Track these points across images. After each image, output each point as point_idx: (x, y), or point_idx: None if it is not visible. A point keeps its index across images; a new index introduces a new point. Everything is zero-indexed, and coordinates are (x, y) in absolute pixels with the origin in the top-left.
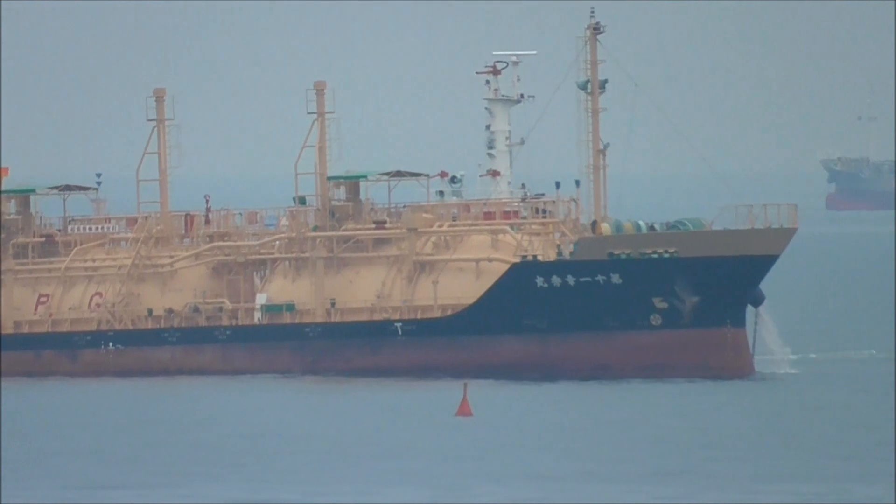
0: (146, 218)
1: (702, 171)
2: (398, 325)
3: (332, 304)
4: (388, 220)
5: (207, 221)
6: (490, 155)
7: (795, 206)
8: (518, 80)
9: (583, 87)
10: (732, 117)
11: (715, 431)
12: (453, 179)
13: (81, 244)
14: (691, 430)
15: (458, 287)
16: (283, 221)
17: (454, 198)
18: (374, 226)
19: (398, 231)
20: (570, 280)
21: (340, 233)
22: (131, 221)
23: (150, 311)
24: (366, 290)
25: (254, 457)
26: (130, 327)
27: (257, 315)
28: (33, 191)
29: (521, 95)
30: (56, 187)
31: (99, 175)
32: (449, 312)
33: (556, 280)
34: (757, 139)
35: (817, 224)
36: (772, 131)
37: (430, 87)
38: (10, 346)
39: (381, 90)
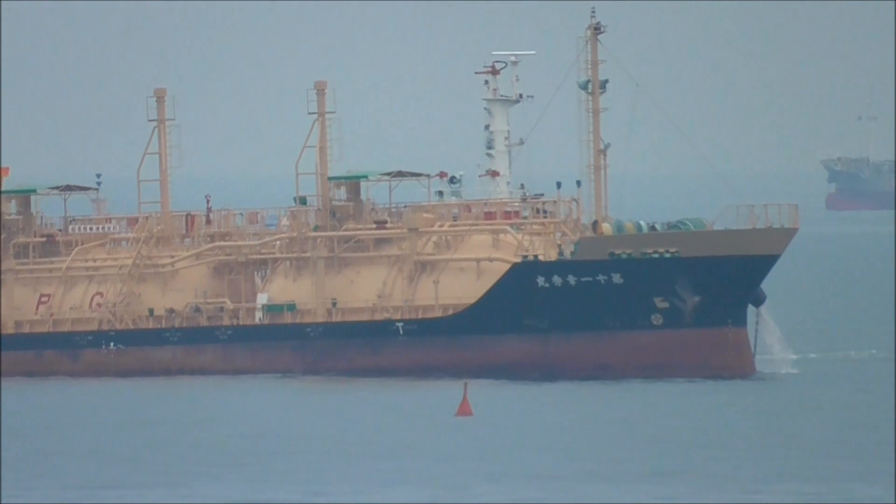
0: (147, 218)
1: (702, 170)
2: (399, 324)
3: (334, 304)
4: (388, 220)
5: (208, 221)
6: (489, 155)
7: (796, 206)
8: (517, 80)
9: (583, 87)
10: (733, 117)
11: (716, 431)
12: (452, 180)
13: (82, 244)
14: (692, 429)
15: (459, 287)
16: (284, 221)
17: (453, 198)
18: (374, 226)
19: (399, 231)
20: (572, 280)
21: (341, 233)
22: (132, 221)
23: (151, 311)
24: (367, 290)
25: (254, 457)
26: (131, 327)
27: (258, 315)
28: (34, 191)
29: (520, 95)
30: (57, 187)
31: (99, 175)
32: (450, 312)
33: (557, 280)
34: (757, 139)
35: (817, 224)
36: (772, 131)
37: (430, 87)
38: (11, 346)
39: (380, 90)
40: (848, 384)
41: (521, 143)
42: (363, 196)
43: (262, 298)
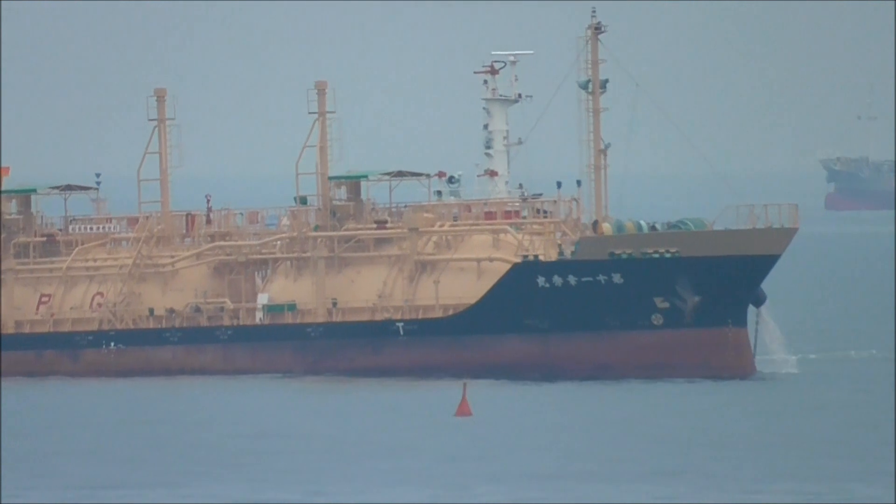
0: (147, 218)
1: (703, 170)
2: (400, 324)
3: (334, 304)
4: (389, 219)
5: (208, 221)
6: (488, 155)
7: (796, 205)
8: (516, 79)
9: (584, 86)
10: (733, 117)
11: (716, 431)
12: (451, 179)
13: (83, 244)
14: (692, 429)
15: (460, 287)
16: (285, 221)
17: (452, 198)
18: (375, 225)
19: (399, 231)
20: (572, 280)
21: (342, 232)
22: (132, 221)
23: (151, 311)
24: (367, 290)
25: (254, 457)
26: (132, 327)
27: (259, 315)
28: (34, 190)
29: (519, 95)
30: (57, 187)
31: (98, 175)
32: (450, 312)
33: (557, 280)
34: (757, 139)
35: (817, 224)
36: (772, 131)
37: (430, 86)
38: (11, 346)
39: (380, 90)
40: (848, 384)
41: (520, 142)
42: (363, 196)
43: (262, 298)
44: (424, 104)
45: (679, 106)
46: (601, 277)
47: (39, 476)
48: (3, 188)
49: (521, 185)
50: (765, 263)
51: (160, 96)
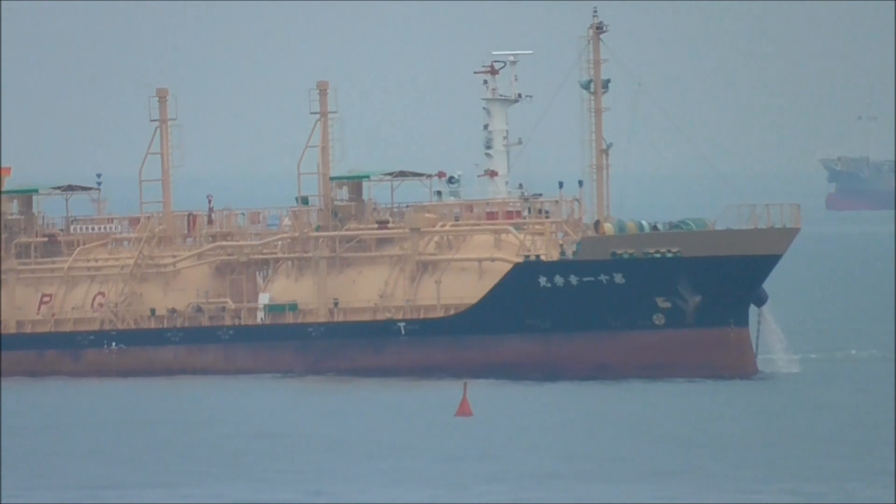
0: (149, 218)
1: (704, 170)
2: (401, 324)
3: (335, 304)
4: (390, 219)
5: (210, 221)
6: (488, 155)
7: (798, 205)
8: (516, 79)
9: (585, 86)
10: (733, 117)
11: (717, 431)
12: (451, 179)
13: (84, 244)
14: (693, 429)
15: (461, 287)
16: (286, 221)
17: (452, 198)
18: (376, 226)
19: (401, 231)
20: (573, 280)
21: (343, 233)
22: (134, 221)
23: (152, 311)
24: (369, 290)
25: (254, 457)
26: (133, 327)
27: (260, 315)
28: (36, 191)
29: (519, 95)
30: (58, 187)
31: (99, 175)
32: (452, 312)
33: (558, 280)
34: (757, 139)
35: (817, 224)
36: (772, 131)
37: (430, 86)
38: (12, 346)
39: (380, 90)
40: (848, 384)
41: (520, 142)
42: (365, 196)
43: (263, 298)
44: (425, 104)
45: (681, 106)
46: (603, 277)
47: (39, 476)
48: (4, 188)
49: (520, 186)
50: (766, 263)
51: (162, 97)
